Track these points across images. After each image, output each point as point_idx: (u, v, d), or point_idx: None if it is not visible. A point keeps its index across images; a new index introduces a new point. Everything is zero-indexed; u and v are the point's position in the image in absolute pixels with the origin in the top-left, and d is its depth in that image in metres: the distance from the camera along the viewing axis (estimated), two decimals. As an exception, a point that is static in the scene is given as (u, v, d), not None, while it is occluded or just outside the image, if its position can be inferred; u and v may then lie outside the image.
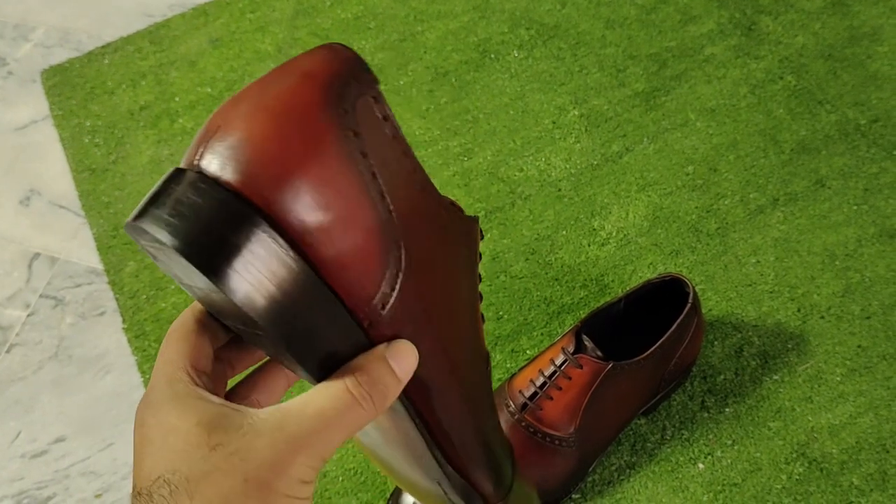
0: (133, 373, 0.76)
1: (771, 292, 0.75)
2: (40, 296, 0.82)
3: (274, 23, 1.01)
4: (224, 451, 0.25)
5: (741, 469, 0.66)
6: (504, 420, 0.63)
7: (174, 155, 0.90)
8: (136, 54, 1.00)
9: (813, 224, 0.79)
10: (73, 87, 0.98)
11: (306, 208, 0.24)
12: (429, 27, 0.98)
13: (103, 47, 1.01)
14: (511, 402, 0.63)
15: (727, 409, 0.69)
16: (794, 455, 0.67)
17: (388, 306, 0.28)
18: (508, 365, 0.73)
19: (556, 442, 0.61)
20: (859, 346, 0.71)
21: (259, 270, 0.24)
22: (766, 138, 0.85)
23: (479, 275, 0.35)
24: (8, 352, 0.79)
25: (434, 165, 0.87)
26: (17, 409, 0.76)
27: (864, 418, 0.68)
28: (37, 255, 0.85)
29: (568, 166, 0.85)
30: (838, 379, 0.70)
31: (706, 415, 0.69)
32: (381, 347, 0.28)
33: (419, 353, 0.29)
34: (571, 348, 0.62)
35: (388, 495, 0.67)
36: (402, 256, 0.27)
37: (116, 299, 0.80)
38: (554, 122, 0.88)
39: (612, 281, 0.77)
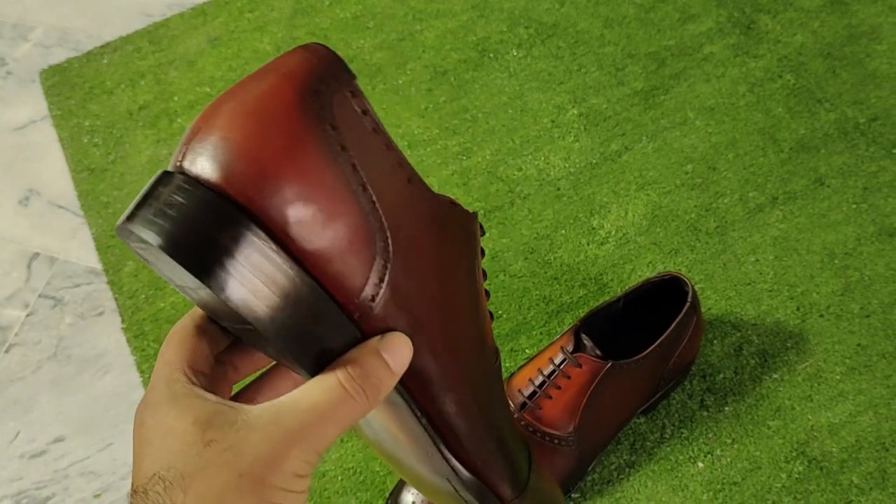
0: (132, 373, 0.76)
1: (770, 291, 0.75)
2: (39, 296, 0.82)
3: (272, 22, 1.01)
4: (218, 447, 0.25)
5: (741, 468, 0.66)
6: (503, 419, 0.63)
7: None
8: (135, 54, 1.00)
9: (812, 223, 0.79)
10: (71, 86, 0.98)
11: (287, 202, 0.25)
12: (427, 26, 0.98)
13: (102, 47, 1.01)
14: (510, 402, 0.63)
15: (727, 408, 0.69)
16: (794, 454, 0.66)
17: (378, 298, 0.28)
18: (507, 364, 0.73)
19: (556, 441, 0.61)
20: (859, 345, 0.71)
21: (243, 266, 0.24)
22: (765, 137, 0.85)
23: (484, 271, 0.35)
24: (7, 352, 0.79)
25: (433, 164, 0.87)
26: (16, 409, 0.76)
27: (863, 417, 0.68)
28: (36, 255, 0.85)
29: (567, 165, 0.85)
30: (838, 377, 0.70)
31: (705, 413, 0.69)
32: (375, 340, 0.28)
33: (415, 346, 0.30)
34: (570, 347, 0.62)
35: (386, 494, 0.67)
36: (390, 247, 0.28)
37: (115, 299, 0.80)
38: (553, 121, 0.88)
39: (611, 280, 0.77)
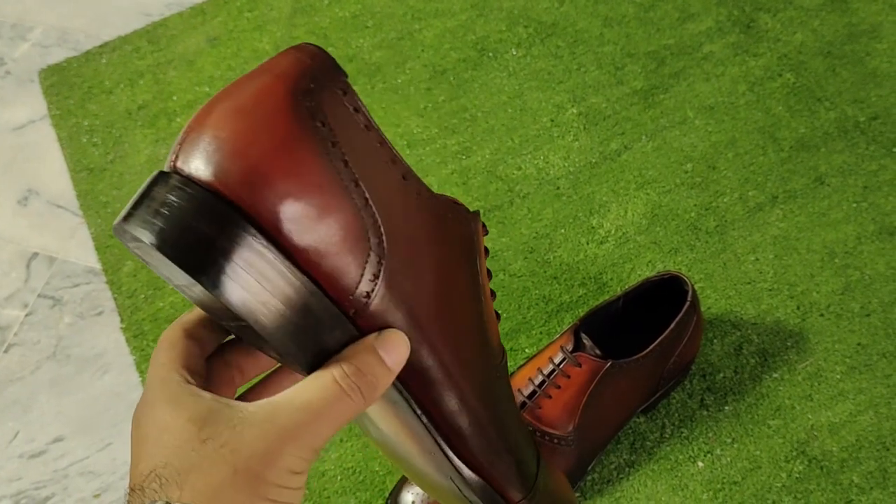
0: (131, 372, 0.76)
1: (770, 290, 0.75)
2: (38, 296, 0.82)
3: (272, 21, 1.01)
4: (214, 444, 0.25)
5: (741, 467, 0.66)
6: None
7: (172, 154, 0.90)
8: (134, 54, 1.00)
9: (812, 222, 0.78)
10: (70, 86, 0.98)
11: (279, 199, 0.25)
12: (426, 25, 0.98)
13: (101, 47, 1.01)
14: (510, 401, 0.63)
15: (727, 408, 0.69)
16: (794, 453, 0.66)
17: (373, 294, 0.28)
18: (507, 363, 0.73)
19: (555, 441, 0.61)
20: (859, 344, 0.71)
21: (236, 263, 0.25)
22: (764, 136, 0.85)
23: (489, 271, 0.35)
24: (6, 352, 0.79)
25: (432, 164, 0.86)
26: (15, 408, 0.76)
27: (864, 416, 0.68)
28: (35, 254, 0.85)
29: (566, 164, 0.85)
30: (838, 377, 0.70)
31: (705, 413, 0.69)
32: (371, 337, 0.28)
33: (414, 343, 0.29)
34: (570, 347, 0.62)
35: (386, 494, 0.66)
36: (384, 243, 0.28)
37: (114, 299, 0.80)
38: (552, 121, 0.88)
39: (611, 279, 0.77)
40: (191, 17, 1.03)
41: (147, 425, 0.27)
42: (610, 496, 0.66)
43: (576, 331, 0.63)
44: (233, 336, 0.33)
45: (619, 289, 0.76)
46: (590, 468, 0.66)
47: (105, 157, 0.91)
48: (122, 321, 0.79)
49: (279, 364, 0.34)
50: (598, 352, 0.64)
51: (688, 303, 0.64)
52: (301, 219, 0.26)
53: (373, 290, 0.28)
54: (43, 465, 0.72)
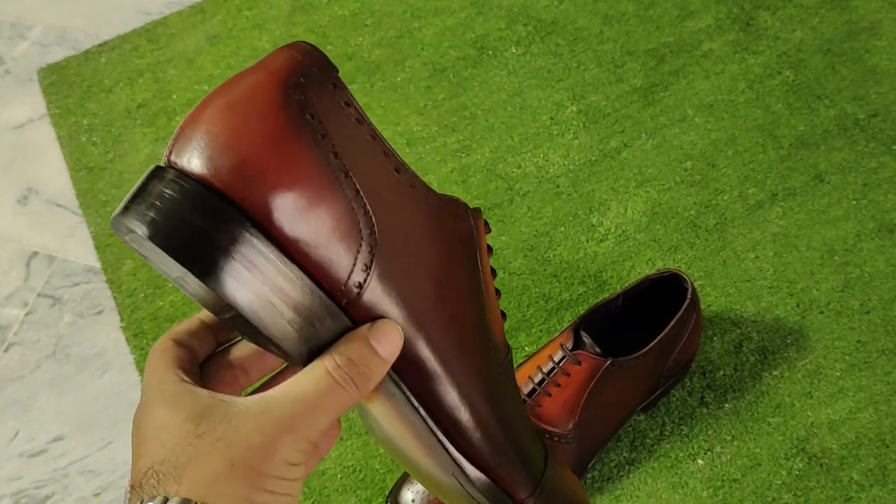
0: (131, 371, 0.76)
1: (770, 288, 0.75)
2: (38, 295, 0.82)
3: (271, 20, 1.01)
4: (210, 438, 0.26)
5: (741, 465, 0.66)
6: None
7: (171, 153, 0.90)
8: (134, 52, 1.00)
9: (812, 219, 0.79)
10: (70, 85, 0.98)
11: (269, 190, 0.26)
12: (426, 23, 0.98)
13: (100, 45, 1.01)
14: (510, 399, 0.63)
15: (726, 405, 0.69)
16: (794, 450, 0.66)
17: (365, 284, 0.28)
18: (507, 362, 0.73)
19: (555, 439, 0.61)
20: (859, 342, 0.71)
21: (228, 254, 0.25)
22: (764, 133, 0.85)
23: (493, 269, 0.35)
24: (6, 351, 0.79)
25: (432, 162, 0.86)
26: (15, 408, 0.76)
27: (863, 413, 0.68)
28: (34, 253, 0.85)
29: (566, 162, 0.85)
30: (838, 374, 0.70)
31: (705, 410, 0.69)
32: (364, 328, 0.29)
33: (409, 335, 0.30)
34: (570, 345, 0.62)
35: (386, 493, 0.67)
36: (376, 234, 0.28)
37: (114, 298, 0.80)
38: (552, 119, 0.88)
39: (611, 277, 0.77)
40: (190, 15, 1.02)
41: (146, 426, 0.27)
42: (610, 494, 0.66)
43: (576, 329, 0.63)
44: (232, 340, 0.33)
45: (618, 287, 0.76)
46: (590, 466, 0.66)
47: (104, 156, 0.91)
48: (121, 320, 0.79)
49: (284, 365, 0.34)
50: (597, 350, 0.64)
51: (687, 300, 0.64)
52: (292, 210, 0.26)
53: (365, 281, 0.28)
54: (43, 465, 0.72)
